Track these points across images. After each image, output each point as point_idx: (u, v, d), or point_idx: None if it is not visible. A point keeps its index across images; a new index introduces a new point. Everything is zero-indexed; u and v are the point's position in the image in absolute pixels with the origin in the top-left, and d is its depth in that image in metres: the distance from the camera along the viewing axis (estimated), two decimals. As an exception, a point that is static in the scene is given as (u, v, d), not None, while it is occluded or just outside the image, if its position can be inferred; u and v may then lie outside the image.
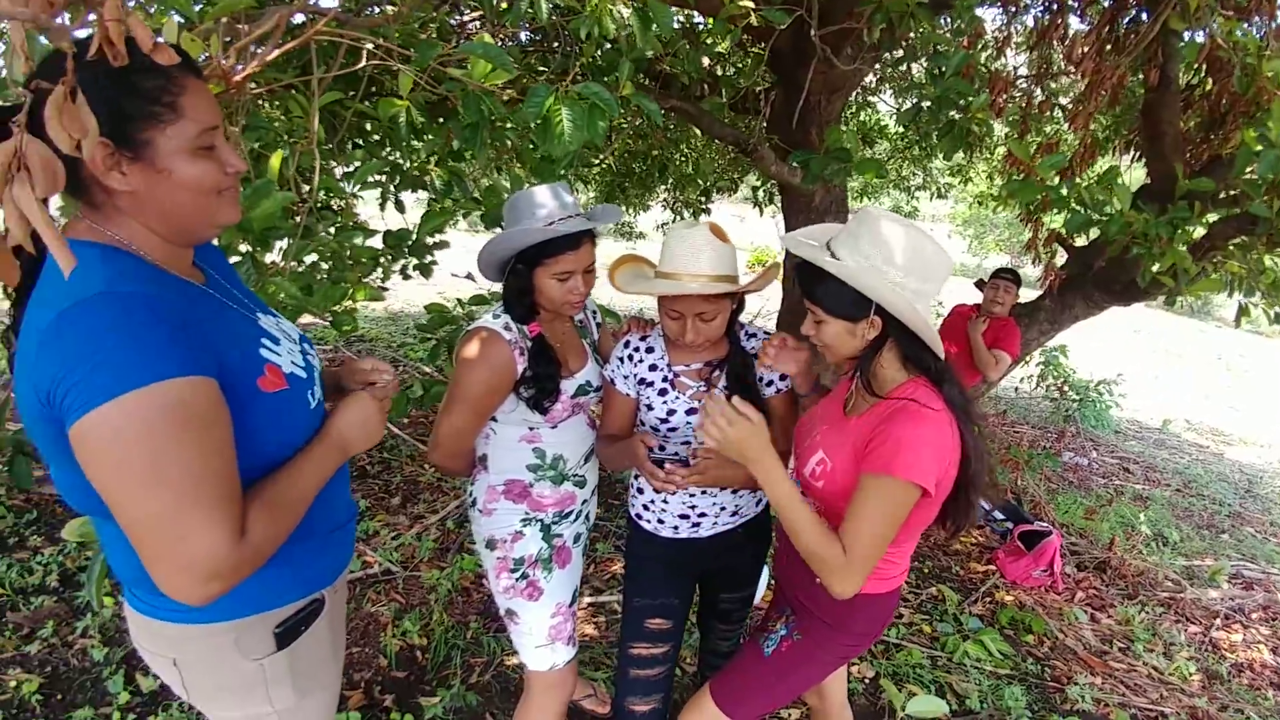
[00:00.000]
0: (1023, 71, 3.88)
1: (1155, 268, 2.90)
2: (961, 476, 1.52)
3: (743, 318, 1.97)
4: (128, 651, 2.72)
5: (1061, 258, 4.35)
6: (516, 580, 1.96)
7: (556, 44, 3.84)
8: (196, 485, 0.98)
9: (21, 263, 1.00)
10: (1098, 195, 2.80)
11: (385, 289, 2.49)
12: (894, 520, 1.47)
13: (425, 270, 2.68)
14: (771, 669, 1.76)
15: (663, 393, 1.89)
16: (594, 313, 2.21)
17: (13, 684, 2.53)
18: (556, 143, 1.75)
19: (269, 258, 1.97)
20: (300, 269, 2.10)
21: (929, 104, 2.94)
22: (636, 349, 1.93)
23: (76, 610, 2.94)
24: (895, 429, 1.46)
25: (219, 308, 1.17)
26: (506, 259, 1.84)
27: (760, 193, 7.11)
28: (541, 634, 1.97)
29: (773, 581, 2.00)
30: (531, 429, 1.92)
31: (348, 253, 2.32)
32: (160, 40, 0.97)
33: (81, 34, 0.95)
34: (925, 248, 1.48)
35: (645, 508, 2.00)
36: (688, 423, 1.88)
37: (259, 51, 1.76)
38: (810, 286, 1.56)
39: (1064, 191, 2.88)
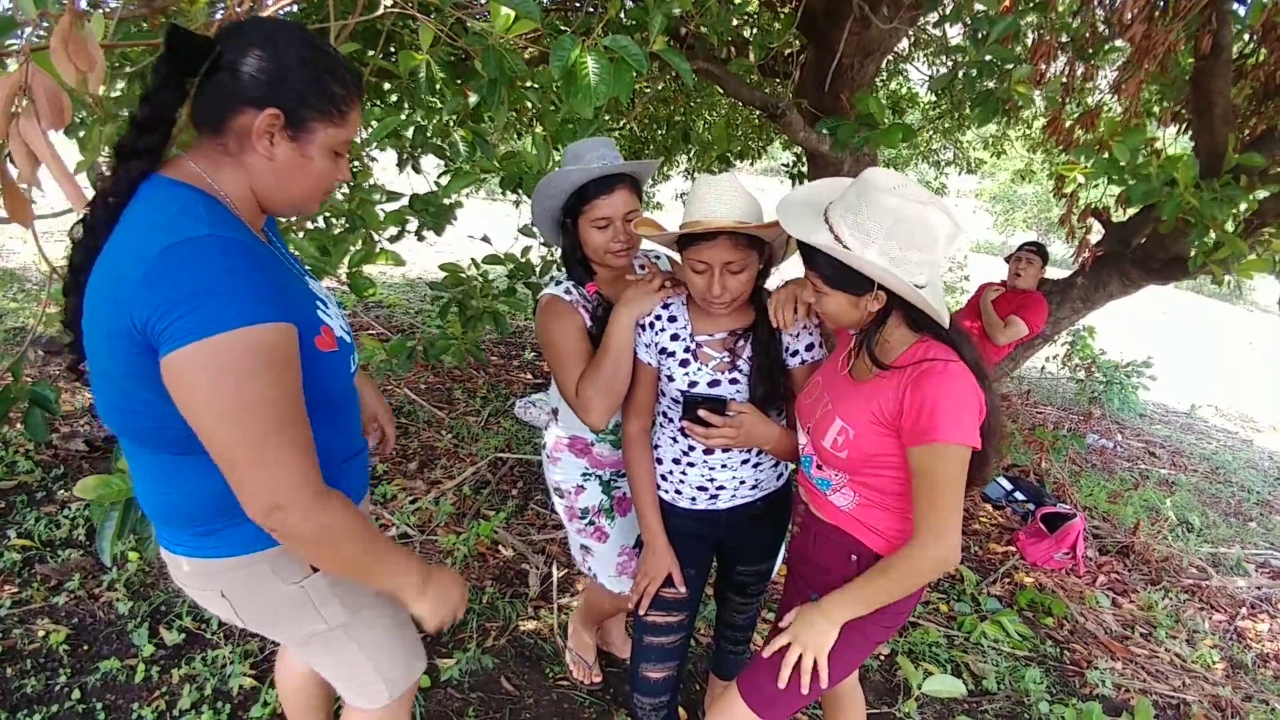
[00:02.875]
0: (1065, 38, 3.74)
1: (1209, 251, 2.77)
2: (983, 434, 1.49)
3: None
4: (153, 605, 2.75)
5: (1096, 234, 4.23)
6: (585, 525, 2.18)
7: (579, 3, 3.75)
8: (280, 420, 1.07)
9: (96, 208, 1.13)
10: (1155, 168, 2.68)
11: (398, 256, 2.46)
12: (954, 481, 1.44)
13: (439, 227, 2.63)
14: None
15: (684, 363, 1.82)
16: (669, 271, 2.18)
17: (41, 634, 2.57)
18: (581, 98, 1.67)
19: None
20: (312, 228, 2.05)
21: (965, 72, 2.83)
22: (658, 316, 1.86)
23: (103, 563, 2.97)
24: (927, 395, 1.43)
25: (284, 268, 1.25)
26: (557, 217, 1.90)
27: (795, 165, 6.97)
28: (611, 568, 2.22)
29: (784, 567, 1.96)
30: None
31: (360, 214, 2.27)
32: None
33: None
34: (929, 218, 1.40)
35: (663, 478, 1.95)
36: (711, 395, 1.82)
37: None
38: (810, 256, 1.50)
39: (1131, 161, 2.75)
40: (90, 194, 1.18)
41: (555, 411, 2.18)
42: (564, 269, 1.99)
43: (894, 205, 1.39)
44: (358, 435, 1.45)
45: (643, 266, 2.11)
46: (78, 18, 0.76)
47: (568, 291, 1.93)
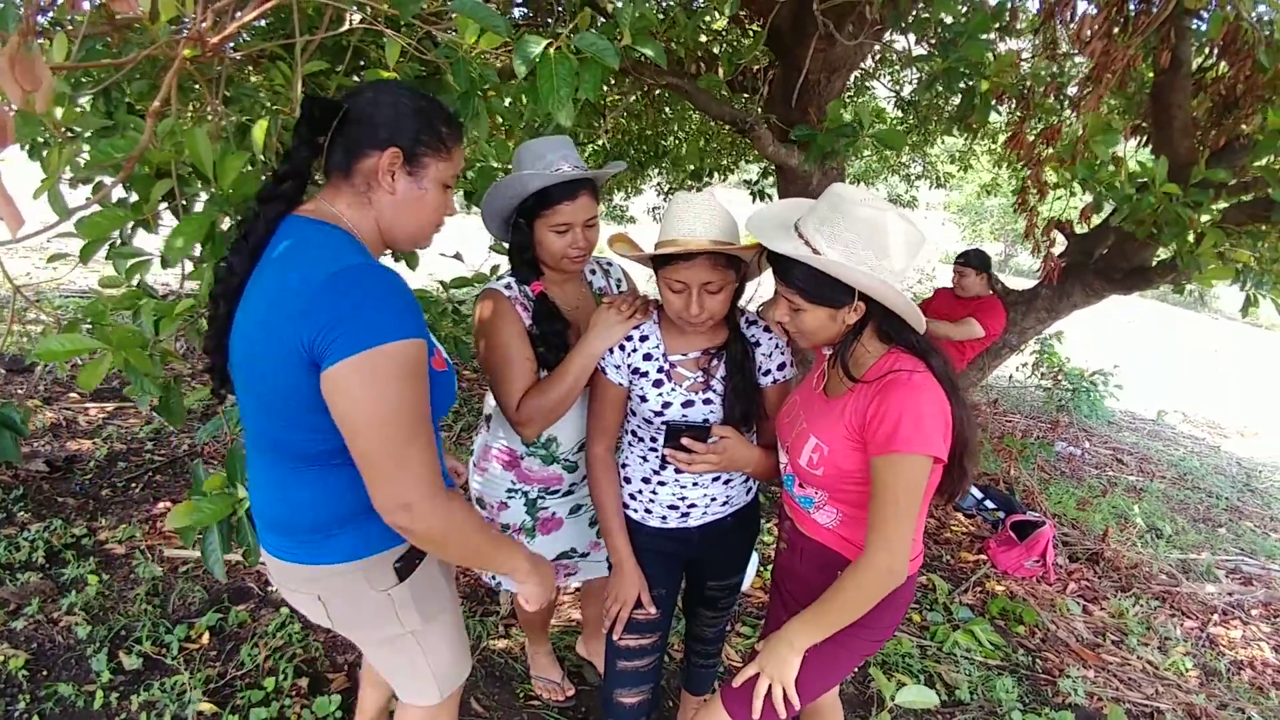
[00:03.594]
0: (1026, 55, 3.80)
1: (1190, 250, 2.81)
2: (955, 446, 1.50)
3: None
4: (112, 629, 2.71)
5: (1060, 245, 4.30)
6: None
7: (551, 19, 3.75)
8: (415, 426, 1.23)
9: (239, 245, 1.33)
10: (1124, 175, 2.72)
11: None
12: (913, 492, 1.44)
13: (411, 261, 2.58)
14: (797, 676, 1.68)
15: (658, 384, 1.80)
16: (619, 281, 2.16)
17: (0, 659, 2.51)
18: (547, 100, 1.61)
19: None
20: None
21: (938, 78, 2.85)
22: (629, 337, 1.84)
23: (62, 587, 2.92)
24: (890, 405, 1.43)
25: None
26: (509, 214, 1.86)
27: (761, 182, 7.02)
28: None
29: (763, 571, 1.95)
30: None
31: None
32: None
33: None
34: (900, 228, 1.43)
35: (632, 496, 1.93)
36: (683, 415, 1.80)
37: (239, 16, 1.68)
38: (786, 274, 1.50)
39: (1103, 168, 2.78)
40: (42, 218, 1.27)
41: (488, 418, 2.09)
42: (511, 266, 1.95)
43: (869, 215, 1.41)
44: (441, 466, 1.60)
45: (593, 271, 2.11)
46: (25, 37, 0.74)
47: (508, 287, 1.88)
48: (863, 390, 1.51)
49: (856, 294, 1.45)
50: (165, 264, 1.70)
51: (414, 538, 1.30)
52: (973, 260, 4.38)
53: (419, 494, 1.23)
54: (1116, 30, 2.90)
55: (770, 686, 1.56)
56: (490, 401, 2.04)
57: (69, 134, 1.78)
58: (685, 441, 1.70)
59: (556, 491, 2.07)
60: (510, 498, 2.05)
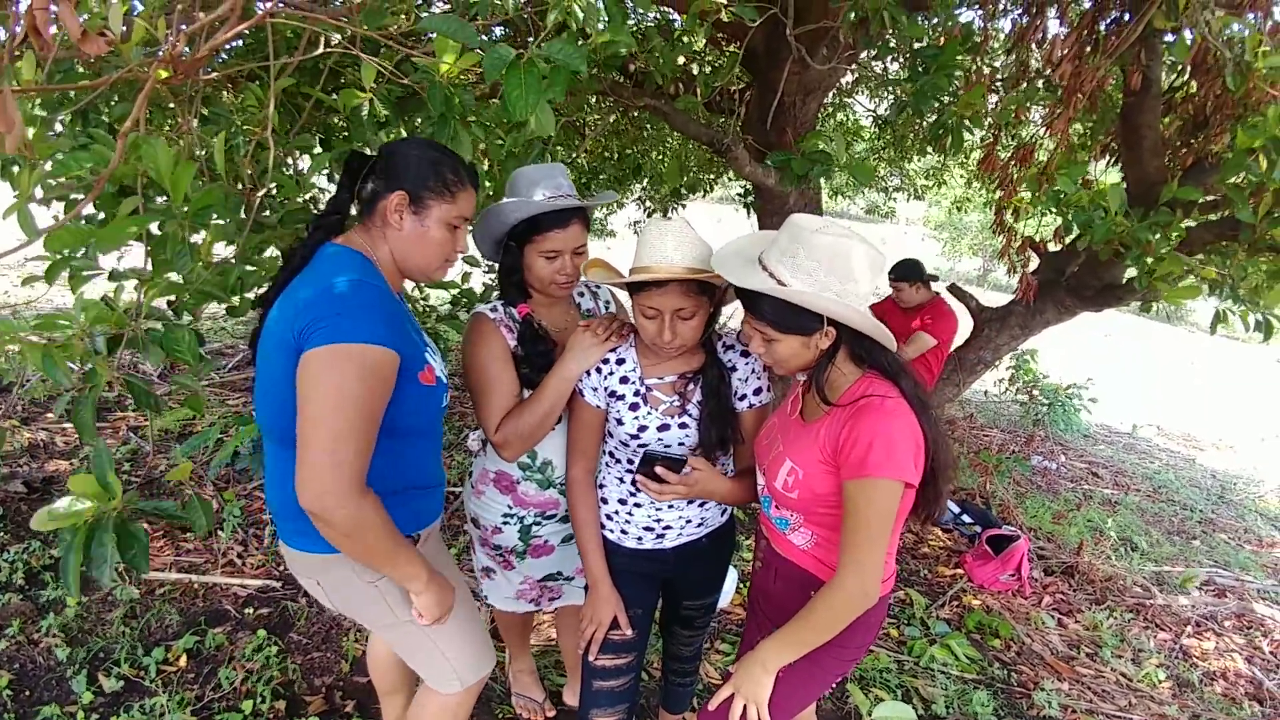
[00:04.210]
0: (999, 77, 3.87)
1: (1149, 272, 2.86)
2: (929, 466, 1.53)
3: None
4: (91, 651, 2.71)
5: (1034, 264, 4.35)
6: (494, 553, 2.12)
7: (530, 39, 3.77)
8: (359, 424, 1.37)
9: (284, 262, 1.60)
10: (1086, 200, 2.77)
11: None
12: (884, 516, 1.47)
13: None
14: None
15: (634, 407, 1.82)
16: (607, 303, 2.19)
17: (-16, 680, 2.51)
18: (516, 106, 1.62)
19: (224, 252, 1.90)
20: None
21: (910, 102, 2.90)
22: (606, 360, 1.86)
23: (41, 608, 2.91)
24: (862, 430, 1.46)
25: (407, 317, 1.63)
26: (500, 237, 1.89)
27: (746, 196, 7.05)
28: (509, 593, 2.20)
29: (741, 588, 1.97)
30: None
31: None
32: (94, 29, 0.93)
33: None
34: (860, 251, 1.47)
35: (609, 517, 1.95)
36: (659, 440, 1.81)
37: (214, 38, 1.69)
38: (755, 307, 1.53)
39: (1066, 192, 2.84)
40: (18, 237, 1.37)
41: (485, 442, 2.10)
42: (499, 289, 1.99)
43: (828, 243, 1.45)
44: (439, 469, 1.78)
45: (581, 294, 2.13)
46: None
47: (494, 309, 1.92)
48: (837, 414, 1.54)
49: (825, 320, 1.48)
50: (112, 277, 1.73)
51: (324, 528, 1.38)
52: (904, 273, 4.47)
53: (338, 486, 1.33)
54: (1088, 50, 2.95)
55: (745, 708, 1.58)
56: None
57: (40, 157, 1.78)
58: (659, 471, 1.73)
59: (553, 516, 2.08)
60: (505, 523, 2.06)
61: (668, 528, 1.91)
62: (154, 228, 1.75)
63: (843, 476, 1.50)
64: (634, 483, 1.84)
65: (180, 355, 1.62)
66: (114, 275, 1.73)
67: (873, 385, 1.53)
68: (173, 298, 1.80)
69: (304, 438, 1.35)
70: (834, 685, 1.77)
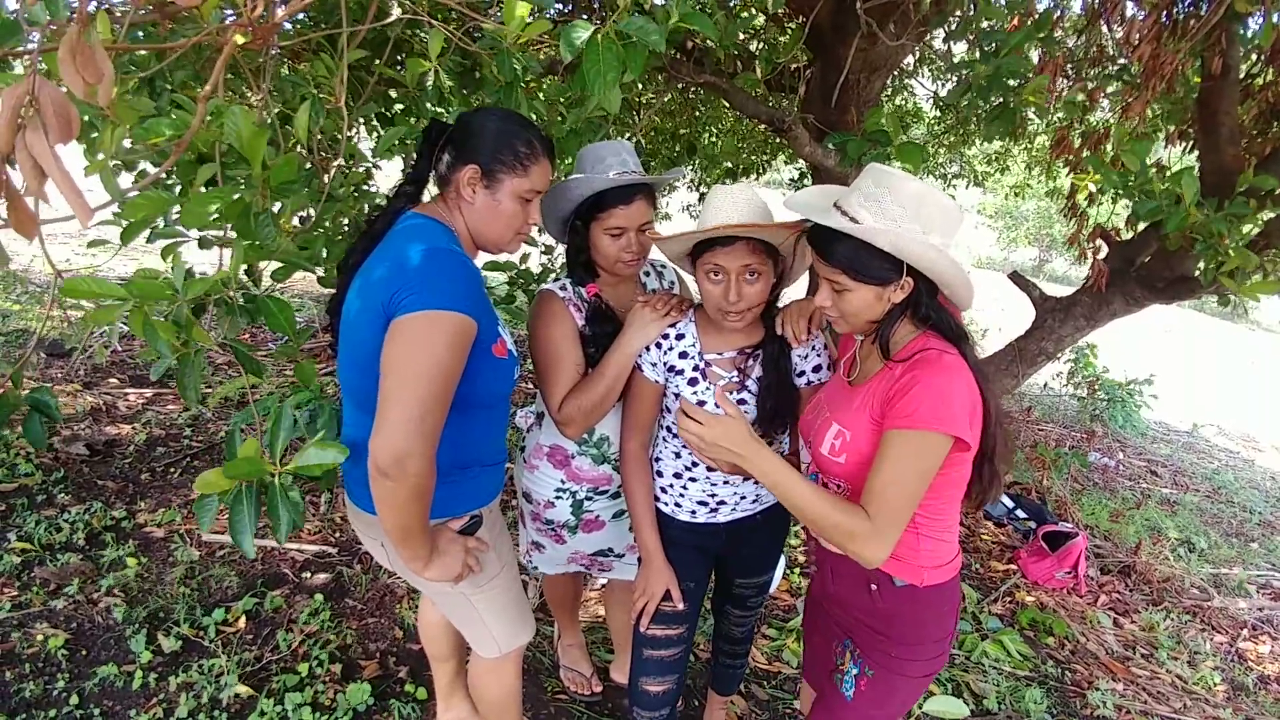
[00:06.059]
0: (1069, 61, 3.73)
1: (1218, 267, 2.74)
2: (985, 441, 1.44)
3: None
4: (150, 610, 2.77)
5: (1104, 252, 4.22)
6: (545, 527, 2.13)
7: (588, 14, 3.76)
8: (441, 392, 1.39)
9: (364, 230, 1.63)
10: (1159, 187, 2.66)
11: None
12: (922, 475, 1.38)
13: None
14: (858, 713, 1.63)
15: (693, 382, 1.81)
16: (671, 284, 2.17)
17: (40, 638, 2.58)
18: (594, 84, 1.60)
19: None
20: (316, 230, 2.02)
21: (976, 85, 2.81)
22: (665, 334, 1.84)
23: (101, 568, 2.99)
24: (916, 381, 1.38)
25: (483, 288, 1.61)
26: (566, 215, 1.89)
27: (800, 181, 6.96)
28: (559, 565, 2.24)
29: (789, 574, 1.94)
30: None
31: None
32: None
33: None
34: (944, 202, 1.39)
35: (663, 490, 1.94)
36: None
37: (290, 3, 1.70)
38: (830, 253, 1.43)
39: (1140, 174, 2.72)
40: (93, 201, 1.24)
41: (540, 416, 2.12)
42: (566, 267, 1.98)
43: (918, 190, 1.38)
44: (504, 446, 1.80)
45: (648, 274, 2.11)
46: (86, 26, 0.75)
47: (563, 288, 1.92)
48: (891, 370, 1.46)
49: (905, 269, 1.40)
50: (203, 245, 1.73)
51: (387, 487, 1.37)
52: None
53: (418, 447, 1.35)
54: (1165, 34, 2.84)
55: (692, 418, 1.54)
56: (542, 399, 2.06)
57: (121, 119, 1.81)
58: (683, 404, 1.64)
59: (605, 492, 2.08)
60: (558, 497, 2.06)
61: (721, 503, 1.90)
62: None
63: (885, 426, 1.41)
64: (690, 457, 1.83)
65: (276, 325, 1.62)
66: (204, 243, 1.74)
67: (931, 341, 1.45)
68: (246, 267, 1.82)
69: (389, 398, 1.36)
70: (923, 692, 1.68)
